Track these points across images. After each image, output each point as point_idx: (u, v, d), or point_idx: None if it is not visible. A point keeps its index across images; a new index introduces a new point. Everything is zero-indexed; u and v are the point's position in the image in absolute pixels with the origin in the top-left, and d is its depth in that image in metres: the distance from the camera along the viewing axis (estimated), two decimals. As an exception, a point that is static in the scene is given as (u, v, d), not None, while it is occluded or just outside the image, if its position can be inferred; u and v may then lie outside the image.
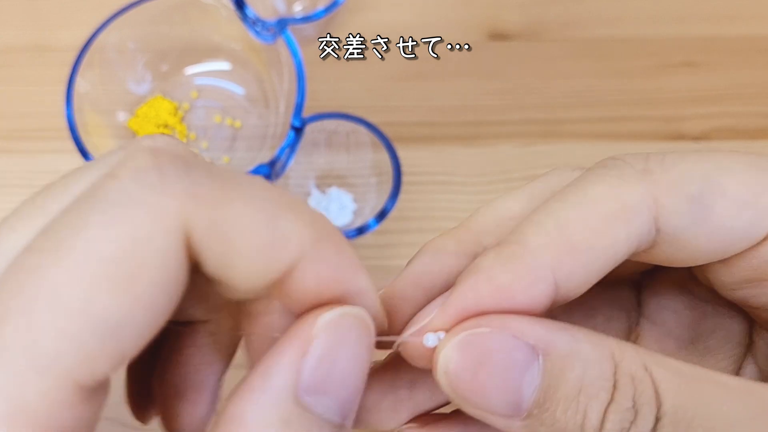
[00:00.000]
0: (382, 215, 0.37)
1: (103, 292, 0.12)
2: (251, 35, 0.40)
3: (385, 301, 0.16)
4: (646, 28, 0.48)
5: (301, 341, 0.14)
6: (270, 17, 0.40)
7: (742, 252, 0.16)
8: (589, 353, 0.14)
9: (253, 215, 0.13)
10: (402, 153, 0.41)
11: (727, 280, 0.17)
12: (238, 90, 0.45)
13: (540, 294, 0.15)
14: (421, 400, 0.17)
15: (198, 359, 0.18)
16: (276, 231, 0.13)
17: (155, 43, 0.44)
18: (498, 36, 0.47)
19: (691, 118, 0.44)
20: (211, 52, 0.45)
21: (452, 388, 0.15)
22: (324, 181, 0.43)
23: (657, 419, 0.14)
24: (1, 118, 0.44)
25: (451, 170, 0.43)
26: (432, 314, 0.16)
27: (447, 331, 0.15)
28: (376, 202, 0.41)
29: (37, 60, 0.46)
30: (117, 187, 0.13)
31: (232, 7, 0.39)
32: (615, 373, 0.14)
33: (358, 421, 0.16)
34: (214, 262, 0.13)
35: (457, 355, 0.14)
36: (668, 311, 0.20)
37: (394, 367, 0.17)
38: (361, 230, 0.37)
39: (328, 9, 0.43)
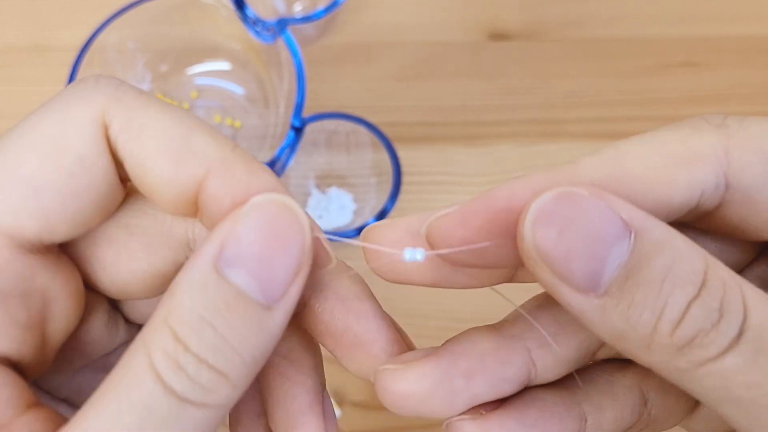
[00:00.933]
0: (382, 215, 0.37)
1: (31, 159, 0.15)
2: (251, 35, 0.40)
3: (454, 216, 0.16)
4: (646, 28, 0.48)
5: (232, 220, 0.15)
6: (270, 17, 0.40)
7: None
8: (682, 246, 0.14)
9: (167, 125, 0.16)
10: (402, 153, 0.41)
11: None
12: (238, 90, 0.45)
13: None
14: (478, 392, 0.16)
15: (290, 387, 0.18)
16: (186, 142, 0.15)
17: (155, 43, 0.44)
18: (498, 36, 0.47)
19: (691, 117, 0.44)
20: (211, 52, 0.45)
21: (535, 243, 0.14)
22: (324, 181, 0.43)
23: (741, 331, 0.13)
24: (1, 118, 0.44)
25: (451, 170, 0.43)
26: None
27: (425, 249, 0.16)
28: (376, 202, 0.41)
29: (37, 60, 0.46)
30: (63, 91, 0.16)
31: (232, 7, 0.39)
32: (706, 272, 0.13)
33: (408, 408, 0.16)
34: (130, 162, 0.16)
35: (551, 206, 0.14)
36: None
37: (451, 354, 0.17)
38: (361, 230, 0.37)
39: (328, 9, 0.43)
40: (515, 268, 0.18)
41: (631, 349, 0.14)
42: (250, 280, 0.14)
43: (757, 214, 0.15)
